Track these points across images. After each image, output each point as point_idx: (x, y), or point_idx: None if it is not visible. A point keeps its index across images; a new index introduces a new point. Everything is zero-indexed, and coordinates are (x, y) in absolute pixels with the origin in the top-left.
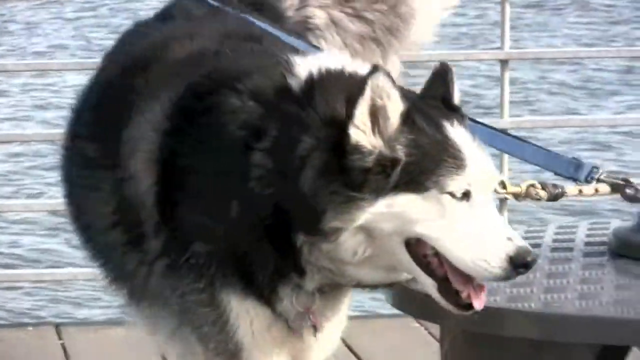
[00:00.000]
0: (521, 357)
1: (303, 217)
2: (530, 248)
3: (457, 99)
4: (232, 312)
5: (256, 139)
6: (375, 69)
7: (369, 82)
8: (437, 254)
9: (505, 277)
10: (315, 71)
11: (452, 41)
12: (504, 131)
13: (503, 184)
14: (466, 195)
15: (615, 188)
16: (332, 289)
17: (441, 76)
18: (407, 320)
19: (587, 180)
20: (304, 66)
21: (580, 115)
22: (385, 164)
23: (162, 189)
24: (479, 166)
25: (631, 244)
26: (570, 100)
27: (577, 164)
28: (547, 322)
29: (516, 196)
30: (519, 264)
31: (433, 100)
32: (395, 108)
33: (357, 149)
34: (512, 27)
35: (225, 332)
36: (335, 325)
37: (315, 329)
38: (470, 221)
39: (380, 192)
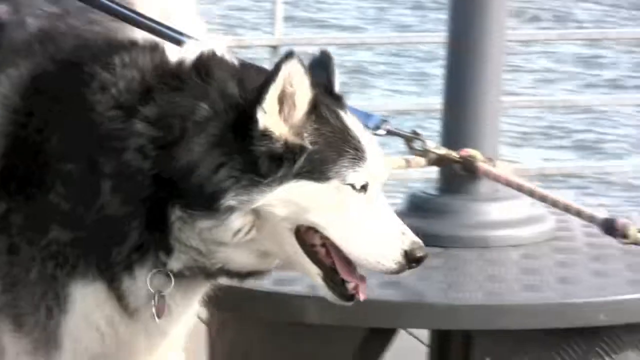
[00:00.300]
0: (289, 339)
1: (190, 191)
2: (422, 243)
3: (337, 87)
4: (74, 303)
5: (140, 105)
6: (290, 55)
7: (283, 68)
8: (325, 243)
9: (399, 271)
10: (204, 52)
11: (230, 29)
12: None
13: None
14: (364, 188)
15: (407, 140)
16: (191, 276)
17: (321, 64)
18: None
19: (375, 129)
20: (188, 47)
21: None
22: (292, 151)
23: (7, 166)
24: (377, 160)
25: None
26: (344, 83)
27: (368, 114)
28: (316, 306)
29: None
30: (412, 258)
31: (317, 88)
32: (304, 96)
33: (265, 134)
34: (295, 9)
35: (57, 323)
36: (184, 319)
37: (159, 313)
38: (367, 214)
39: (282, 178)
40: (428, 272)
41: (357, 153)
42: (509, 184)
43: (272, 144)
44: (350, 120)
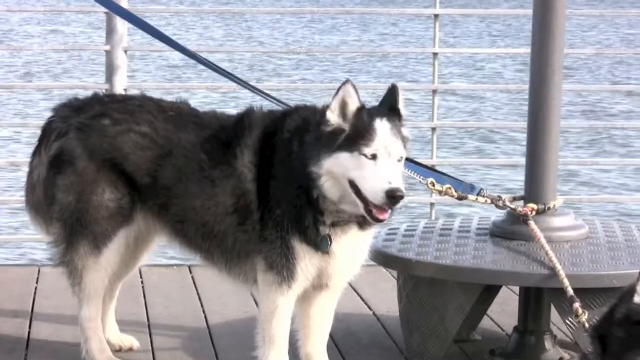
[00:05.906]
0: (432, 291)
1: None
2: (400, 190)
3: (400, 104)
4: (299, 251)
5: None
6: (347, 81)
7: (342, 87)
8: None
9: (383, 204)
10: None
11: None
12: (417, 162)
13: (433, 184)
14: (374, 156)
15: (492, 200)
16: (341, 223)
17: (392, 92)
18: (379, 268)
19: (478, 194)
20: None
21: None
22: (338, 133)
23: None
24: (382, 141)
25: (502, 229)
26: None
27: (472, 186)
28: (458, 270)
29: (439, 192)
30: (389, 196)
31: (383, 106)
32: (354, 105)
33: (327, 121)
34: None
35: (294, 264)
36: (352, 253)
37: (330, 242)
38: (373, 171)
39: (333, 150)
40: (516, 254)
41: (370, 136)
42: (539, 241)
43: (328, 128)
44: (379, 121)
